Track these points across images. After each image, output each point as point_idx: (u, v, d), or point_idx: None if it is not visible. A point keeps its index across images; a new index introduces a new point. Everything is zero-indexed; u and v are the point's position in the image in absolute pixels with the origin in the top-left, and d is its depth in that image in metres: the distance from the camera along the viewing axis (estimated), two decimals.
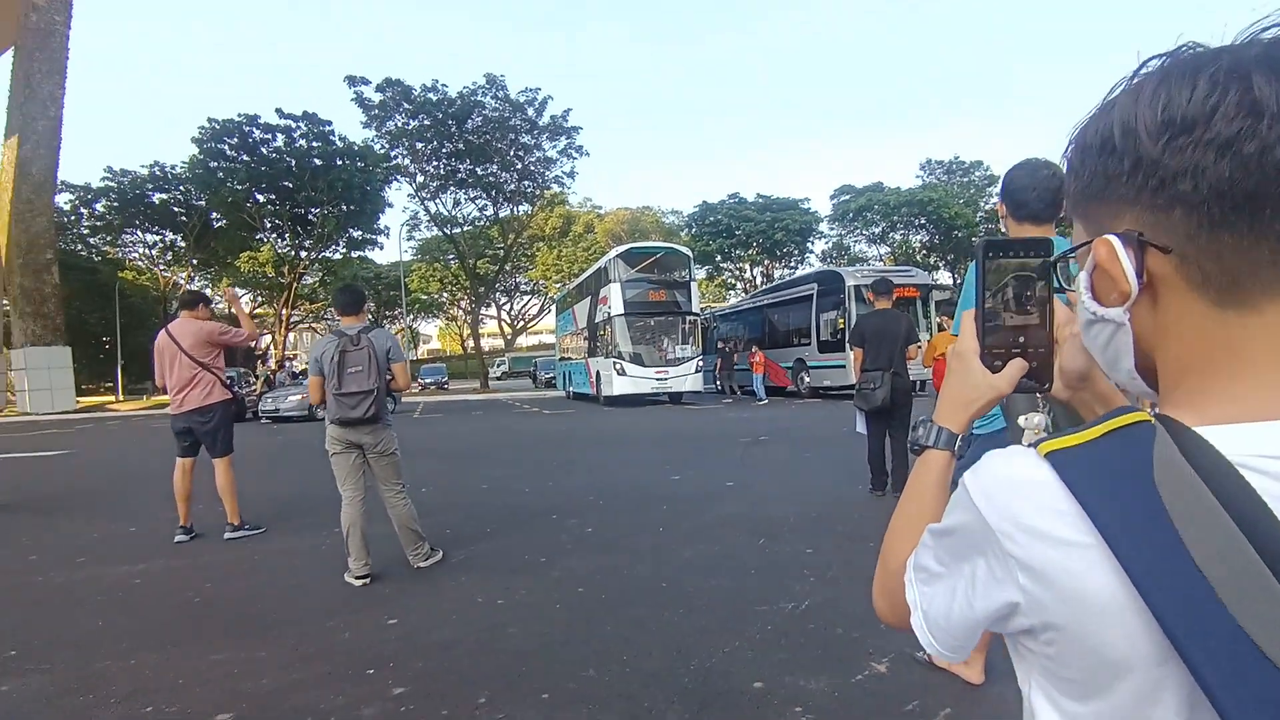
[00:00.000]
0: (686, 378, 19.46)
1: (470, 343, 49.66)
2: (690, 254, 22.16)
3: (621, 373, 19.02)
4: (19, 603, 3.96)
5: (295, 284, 37.04)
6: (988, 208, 45.02)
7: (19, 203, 25.42)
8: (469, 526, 5.35)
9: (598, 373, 20.85)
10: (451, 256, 44.56)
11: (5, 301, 27.40)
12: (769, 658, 2.88)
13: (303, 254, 36.75)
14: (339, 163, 33.15)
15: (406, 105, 32.41)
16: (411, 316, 58.08)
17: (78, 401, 28.62)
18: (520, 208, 38.83)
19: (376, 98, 31.94)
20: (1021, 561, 0.48)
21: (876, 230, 46.85)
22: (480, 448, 10.95)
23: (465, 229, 38.73)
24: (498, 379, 49.89)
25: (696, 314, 20.60)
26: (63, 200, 33.18)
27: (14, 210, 25.40)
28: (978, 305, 0.66)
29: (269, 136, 32.73)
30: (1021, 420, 0.74)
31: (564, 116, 34.18)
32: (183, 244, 38.15)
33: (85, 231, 37.95)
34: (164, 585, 4.19)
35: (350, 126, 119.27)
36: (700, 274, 42.70)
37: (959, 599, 0.54)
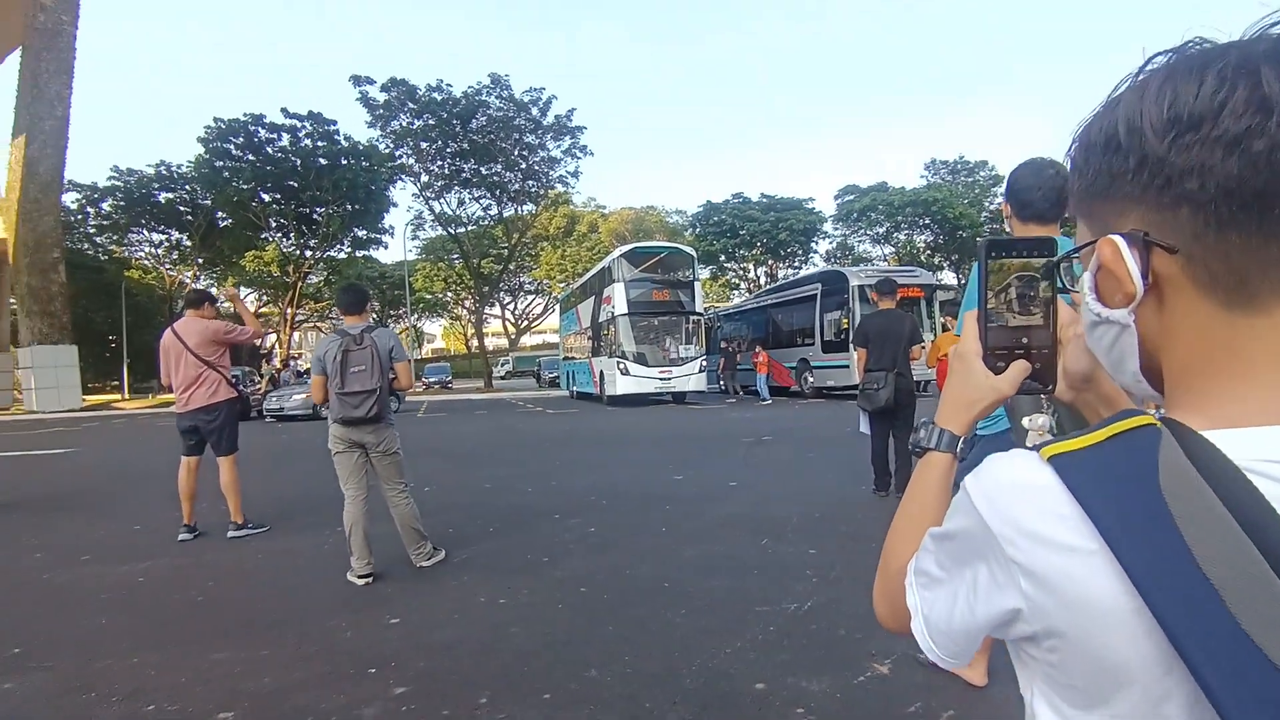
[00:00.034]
0: (690, 378, 19.44)
1: (474, 342, 49.66)
2: (694, 254, 22.15)
3: (625, 372, 19.02)
4: (23, 601, 3.97)
5: (300, 283, 37.12)
6: (992, 208, 44.88)
7: (26, 202, 25.53)
8: (471, 526, 5.35)
9: (601, 372, 20.85)
10: (456, 256, 44.61)
11: (12, 300, 27.55)
12: (771, 658, 2.87)
13: (308, 253, 36.83)
14: (344, 162, 33.22)
15: (411, 105, 32.50)
16: (416, 316, 58.20)
17: (84, 400, 28.74)
18: (524, 207, 38.90)
19: (381, 97, 32.06)
20: (1023, 567, 0.47)
21: (881, 230, 46.71)
22: (483, 447, 10.95)
23: (470, 228, 38.79)
24: (502, 378, 50.00)
25: (700, 314, 20.58)
26: (69, 199, 33.27)
27: (21, 209, 25.51)
28: (980, 305, 0.65)
29: (274, 136, 32.81)
30: (1026, 422, 0.73)
31: (568, 116, 34.23)
32: (188, 243, 38.24)
33: (92, 230, 38.06)
34: (167, 584, 4.20)
35: (355, 126, 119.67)
36: (704, 274, 42.76)
37: (960, 604, 0.53)
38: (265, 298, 43.59)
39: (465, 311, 58.24)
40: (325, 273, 40.38)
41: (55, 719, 2.57)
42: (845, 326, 17.58)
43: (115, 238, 38.90)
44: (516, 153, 34.66)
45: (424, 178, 35.62)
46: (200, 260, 39.58)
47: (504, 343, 64.59)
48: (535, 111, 33.53)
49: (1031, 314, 0.64)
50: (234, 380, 5.55)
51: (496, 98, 32.90)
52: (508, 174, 35.64)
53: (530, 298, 60.70)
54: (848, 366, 16.81)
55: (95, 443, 14.05)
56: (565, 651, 3.01)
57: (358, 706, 2.57)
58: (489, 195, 36.66)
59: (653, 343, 19.71)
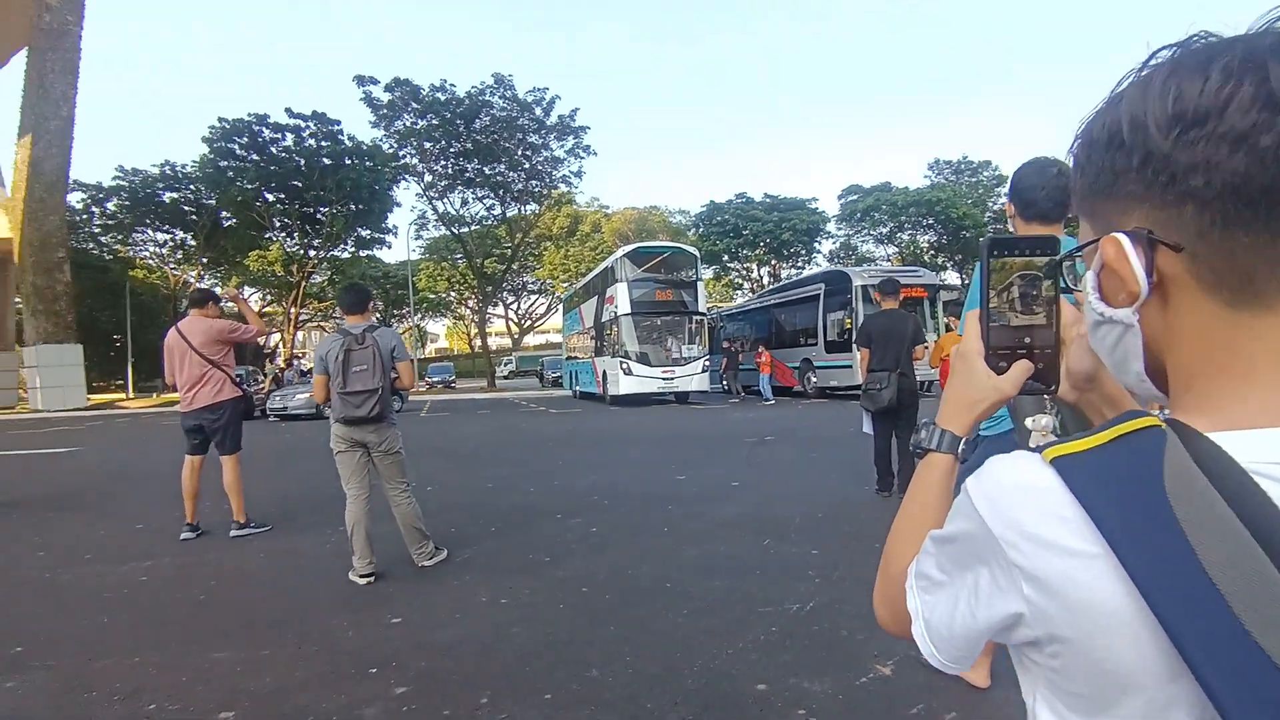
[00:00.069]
0: (693, 377, 19.43)
1: (477, 342, 49.73)
2: (697, 254, 22.16)
3: (628, 372, 19.01)
4: (25, 599, 3.98)
5: (304, 283, 37.19)
6: (996, 208, 44.81)
7: (32, 201, 25.62)
8: (473, 525, 5.35)
9: (604, 372, 20.85)
10: (459, 256, 44.59)
11: (18, 299, 27.64)
12: (773, 659, 2.86)
13: (311, 253, 36.90)
14: (347, 162, 33.25)
15: (415, 105, 32.51)
16: (419, 315, 58.26)
17: (88, 399, 28.84)
18: (528, 207, 38.88)
19: (385, 97, 32.08)
20: (1026, 571, 0.46)
21: (884, 230, 46.64)
22: (486, 447, 10.96)
23: (473, 228, 38.78)
24: (505, 378, 50.03)
25: (703, 314, 20.56)
26: (75, 199, 33.38)
27: (27, 208, 25.60)
28: (982, 305, 0.64)
29: (279, 136, 32.86)
30: (1029, 422, 0.72)
31: (572, 116, 34.22)
32: (193, 243, 38.34)
33: (97, 230, 38.18)
34: (169, 583, 4.21)
35: (358, 126, 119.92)
36: (707, 274, 42.71)
37: (961, 609, 0.52)
38: (269, 297, 43.68)
39: (468, 311, 58.24)
40: (329, 272, 40.45)
41: (56, 718, 2.58)
42: (848, 326, 17.55)
43: (120, 237, 39.03)
44: (520, 152, 34.66)
45: (427, 177, 35.64)
46: (204, 260, 39.70)
47: (507, 342, 64.65)
48: (539, 111, 33.53)
49: (1034, 313, 0.63)
50: (238, 379, 5.56)
51: (500, 98, 32.90)
52: (511, 174, 35.64)
53: (533, 297, 60.72)
54: (851, 366, 16.79)
55: (98, 442, 14.08)
56: (566, 651, 3.01)
57: (358, 706, 2.56)
58: (492, 195, 36.67)
59: (656, 342, 19.71)
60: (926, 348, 6.05)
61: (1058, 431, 0.71)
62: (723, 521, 5.25)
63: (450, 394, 34.19)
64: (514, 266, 48.29)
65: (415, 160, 34.89)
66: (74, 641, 3.28)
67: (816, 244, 47.34)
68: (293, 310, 37.90)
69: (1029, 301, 0.63)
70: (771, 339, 22.66)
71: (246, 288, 40.06)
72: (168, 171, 35.77)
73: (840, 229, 48.11)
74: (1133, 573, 0.41)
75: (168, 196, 36.56)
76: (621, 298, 19.40)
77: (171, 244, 39.91)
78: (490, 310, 51.05)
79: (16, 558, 4.88)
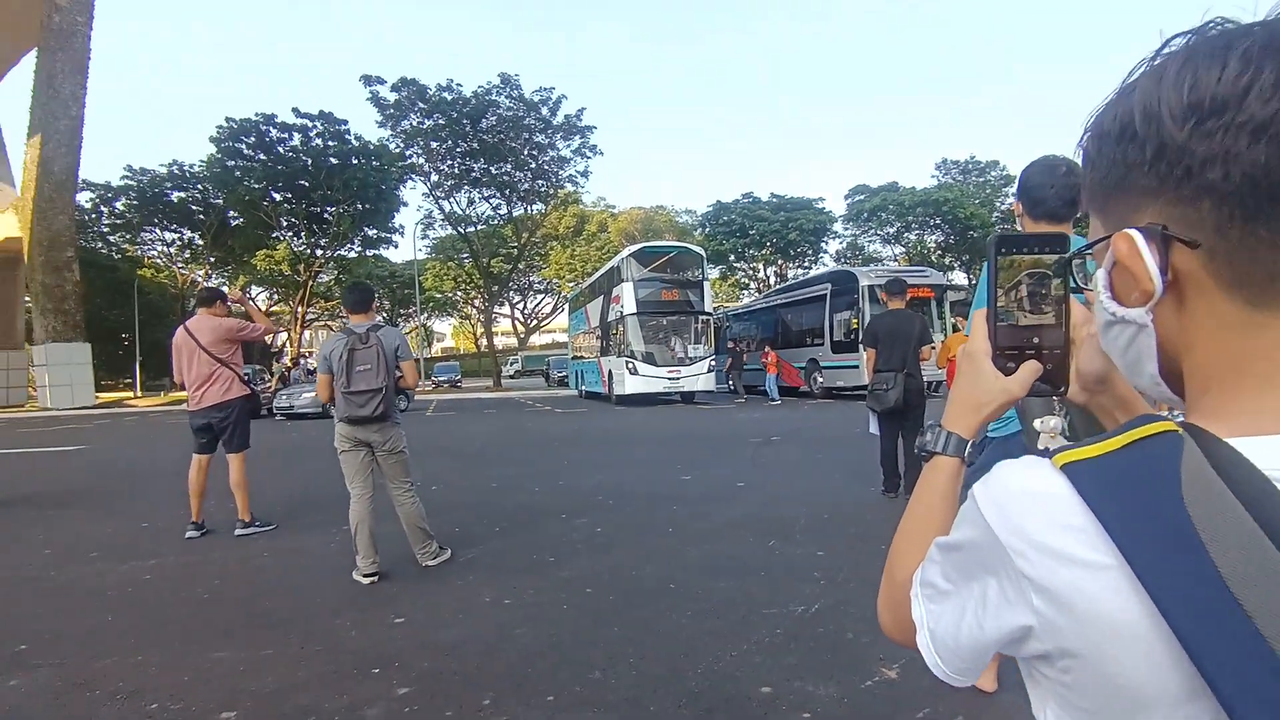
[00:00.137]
0: (698, 377, 19.42)
1: (484, 341, 49.85)
2: (703, 253, 22.12)
3: (634, 372, 19.01)
4: (31, 597, 3.99)
5: (311, 282, 37.38)
6: (1003, 208, 44.62)
7: (41, 200, 25.81)
8: (478, 525, 5.34)
9: (610, 372, 20.86)
10: (465, 255, 44.68)
11: (27, 298, 27.83)
12: (778, 662, 2.85)
13: (318, 252, 37.08)
14: (354, 162, 33.41)
15: (421, 104, 32.64)
16: (425, 315, 58.38)
17: (97, 397, 29.04)
18: (534, 207, 38.95)
19: (392, 97, 32.21)
20: (1035, 582, 0.44)
21: (891, 230, 46.52)
22: (491, 446, 10.96)
23: (479, 228, 38.88)
24: (511, 377, 50.14)
25: (709, 313, 20.54)
26: (83, 198, 33.65)
27: (36, 208, 25.80)
28: (989, 304, 0.62)
29: (285, 136, 33.05)
30: (1037, 424, 0.70)
31: (578, 116, 34.29)
32: (200, 242, 38.57)
33: (105, 229, 38.49)
34: (173, 582, 4.22)
35: (365, 125, 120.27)
36: (713, 273, 42.61)
37: (968, 620, 0.50)
38: (276, 296, 43.92)
39: (475, 310, 58.40)
40: (336, 271, 40.64)
41: (58, 717, 2.58)
42: (855, 326, 17.51)
43: (128, 236, 39.33)
44: (526, 152, 34.74)
45: (434, 177, 35.77)
46: (212, 259, 39.94)
47: (513, 342, 64.72)
48: (545, 111, 33.61)
49: (1043, 313, 0.61)
50: (246, 378, 5.57)
51: (506, 97, 33.00)
52: (517, 173, 35.73)
53: (539, 297, 60.81)
54: (857, 367, 16.74)
55: (106, 440, 14.16)
56: (570, 652, 3.00)
57: (360, 707, 2.56)
58: (499, 195, 36.75)
59: (661, 342, 19.70)
60: (933, 348, 6.02)
61: (1067, 434, 0.68)
62: (728, 522, 5.23)
63: (456, 393, 34.25)
64: (520, 266, 48.38)
65: (422, 160, 35.03)
66: (77, 640, 3.29)
67: (823, 244, 47.26)
68: (300, 309, 38.08)
69: (1038, 300, 0.61)
70: (778, 339, 22.62)
71: (253, 287, 40.29)
72: (175, 171, 36.02)
73: (847, 229, 48.05)
74: (1148, 585, 0.39)
75: (176, 196, 36.82)
76: (627, 297, 19.39)
77: (179, 243, 40.20)
78: (496, 310, 51.19)
79: (21, 555, 4.89)
